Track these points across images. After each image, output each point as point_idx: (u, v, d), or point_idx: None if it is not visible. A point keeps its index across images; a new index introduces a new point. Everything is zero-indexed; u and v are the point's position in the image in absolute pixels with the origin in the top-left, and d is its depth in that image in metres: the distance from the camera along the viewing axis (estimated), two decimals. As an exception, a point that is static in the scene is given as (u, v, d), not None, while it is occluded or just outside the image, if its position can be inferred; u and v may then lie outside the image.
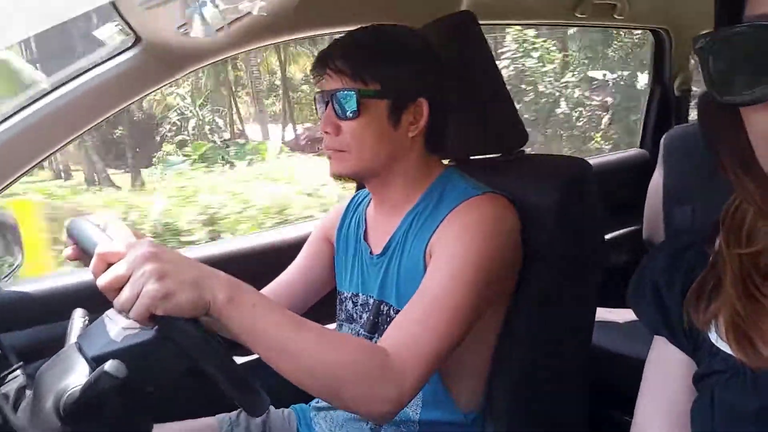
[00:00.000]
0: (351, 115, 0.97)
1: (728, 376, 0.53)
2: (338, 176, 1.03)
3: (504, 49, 8.99)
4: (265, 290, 1.15)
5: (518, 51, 8.99)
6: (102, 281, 0.69)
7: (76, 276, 1.28)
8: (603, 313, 1.79)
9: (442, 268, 0.90)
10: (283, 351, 0.75)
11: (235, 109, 16.45)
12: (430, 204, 1.01)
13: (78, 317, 0.83)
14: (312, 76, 1.04)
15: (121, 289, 0.68)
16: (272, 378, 0.83)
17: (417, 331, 0.83)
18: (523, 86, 9.27)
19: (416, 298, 0.88)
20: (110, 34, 1.08)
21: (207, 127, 14.03)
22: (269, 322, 0.74)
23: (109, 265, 0.70)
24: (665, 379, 0.62)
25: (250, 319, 0.73)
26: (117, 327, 0.74)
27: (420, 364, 0.80)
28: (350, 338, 0.79)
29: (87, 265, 0.76)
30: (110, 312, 0.79)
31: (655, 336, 0.64)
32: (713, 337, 0.55)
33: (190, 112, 13.94)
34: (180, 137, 13.66)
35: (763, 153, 0.47)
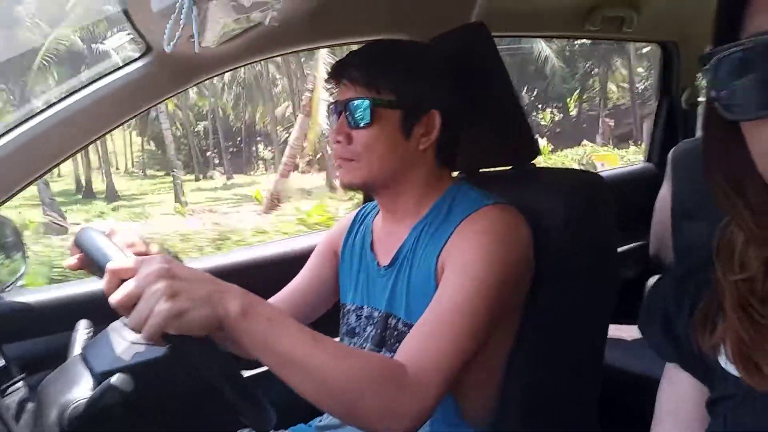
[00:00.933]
0: (363, 123, 0.97)
1: (739, 399, 0.53)
2: (348, 186, 1.03)
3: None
4: (270, 301, 1.15)
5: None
6: (114, 299, 0.68)
7: (80, 287, 1.27)
8: (611, 330, 1.77)
9: (456, 278, 0.89)
10: (298, 366, 0.73)
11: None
12: (440, 215, 1.01)
13: (82, 329, 0.83)
14: (327, 87, 1.05)
15: (134, 306, 0.67)
16: (276, 395, 0.82)
17: (434, 344, 0.82)
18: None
19: (431, 310, 0.87)
20: (121, 43, 1.08)
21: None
22: (284, 336, 0.73)
23: (122, 280, 0.69)
24: (678, 406, 0.62)
25: (264, 333, 0.71)
26: (124, 341, 0.74)
27: (439, 378, 0.79)
28: (367, 353, 0.78)
29: (93, 274, 0.75)
30: (115, 324, 0.78)
31: (666, 363, 0.64)
32: (722, 361, 0.55)
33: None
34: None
35: (765, 169, 0.47)
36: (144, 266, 0.69)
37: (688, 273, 0.62)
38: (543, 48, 20.41)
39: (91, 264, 0.76)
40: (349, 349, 0.77)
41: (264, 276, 1.38)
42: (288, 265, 1.26)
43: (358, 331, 1.09)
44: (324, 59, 12.67)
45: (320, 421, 1.14)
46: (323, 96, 12.65)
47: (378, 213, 1.14)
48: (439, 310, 0.86)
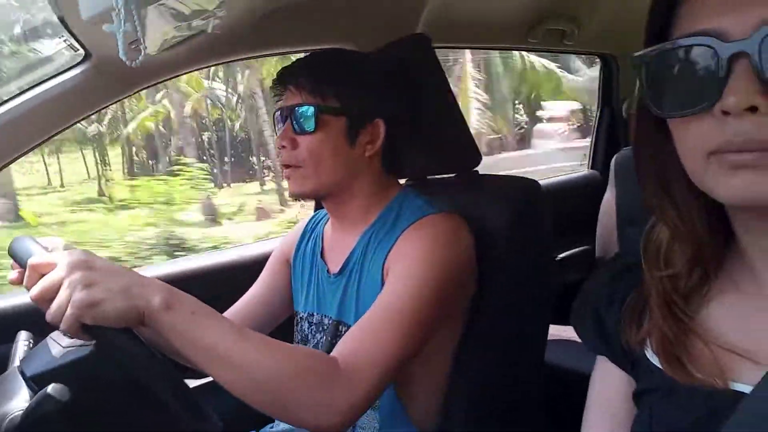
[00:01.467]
0: (309, 129, 0.98)
1: (663, 392, 0.55)
2: (298, 195, 1.03)
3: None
4: (226, 314, 1.13)
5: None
6: (34, 292, 0.68)
7: (21, 297, 1.22)
8: (558, 331, 1.81)
9: (397, 281, 0.90)
10: (225, 360, 0.72)
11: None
12: (387, 222, 1.02)
13: (21, 341, 0.81)
14: (272, 95, 1.05)
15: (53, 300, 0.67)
16: (224, 405, 0.81)
17: (369, 342, 0.82)
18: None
19: (370, 310, 0.87)
20: (58, 49, 1.05)
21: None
22: (208, 329, 0.72)
23: (43, 276, 0.69)
24: (608, 397, 0.64)
25: (188, 326, 0.71)
26: (59, 347, 0.72)
27: (371, 375, 0.79)
28: (296, 347, 0.77)
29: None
30: (54, 334, 0.76)
31: (597, 356, 0.66)
32: (649, 354, 0.58)
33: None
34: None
35: (690, 166, 0.50)
36: (63, 258, 0.69)
37: (619, 271, 0.64)
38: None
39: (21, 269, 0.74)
40: (277, 342, 0.77)
41: (219, 283, 1.37)
42: (244, 272, 1.25)
43: (310, 339, 1.09)
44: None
45: (271, 427, 1.13)
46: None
47: (329, 220, 1.14)
48: (376, 309, 0.87)
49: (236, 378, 0.73)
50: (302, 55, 1.14)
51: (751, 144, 0.43)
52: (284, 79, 1.02)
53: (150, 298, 0.70)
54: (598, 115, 2.36)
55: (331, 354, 0.81)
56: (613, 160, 1.88)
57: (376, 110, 1.01)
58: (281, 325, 1.18)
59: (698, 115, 0.46)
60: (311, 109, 0.97)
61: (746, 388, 0.48)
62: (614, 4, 1.79)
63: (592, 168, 2.39)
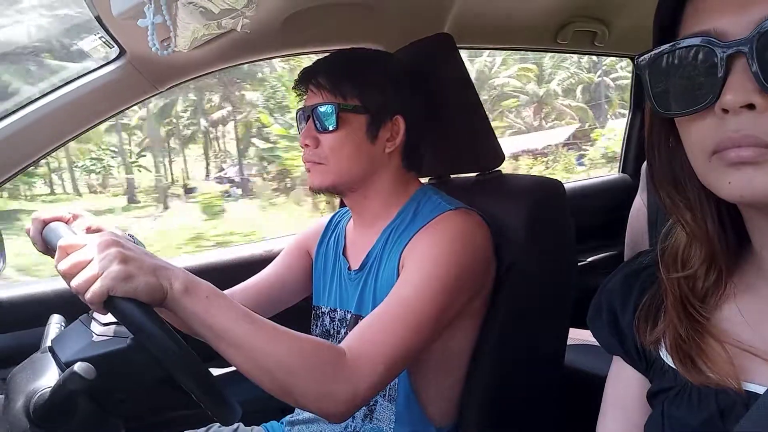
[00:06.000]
0: (330, 127, 1.00)
1: (676, 392, 0.55)
2: (317, 189, 1.05)
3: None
4: (235, 289, 1.16)
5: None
6: (64, 266, 0.71)
7: (54, 283, 1.27)
8: (584, 335, 1.78)
9: (409, 276, 0.91)
10: (237, 343, 0.75)
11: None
12: (406, 218, 1.03)
13: (54, 323, 0.84)
14: (296, 95, 1.08)
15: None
16: (243, 396, 0.83)
17: (377, 334, 0.84)
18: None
19: (382, 304, 0.89)
20: (94, 46, 1.09)
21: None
22: (223, 313, 0.75)
23: None
24: (623, 397, 0.64)
25: (204, 309, 0.74)
26: (90, 333, 0.75)
27: (376, 366, 0.81)
28: (305, 336, 0.79)
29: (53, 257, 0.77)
30: (83, 317, 0.79)
31: (613, 356, 0.66)
32: (663, 355, 0.58)
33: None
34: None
35: (696, 165, 0.50)
36: (95, 237, 0.73)
37: (635, 272, 0.64)
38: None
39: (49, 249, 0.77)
40: (287, 331, 0.79)
41: (229, 281, 1.39)
42: (253, 269, 1.27)
43: (333, 333, 1.11)
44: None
45: (291, 416, 1.15)
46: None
47: (350, 218, 1.16)
48: (387, 303, 0.88)
49: (245, 361, 0.76)
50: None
51: (749, 140, 0.44)
52: (305, 79, 1.05)
53: (173, 280, 0.73)
54: (629, 118, 2.32)
55: (340, 345, 0.83)
56: (644, 164, 1.85)
57: (396, 107, 1.02)
58: (298, 317, 1.19)
59: (700, 114, 0.47)
60: (332, 108, 0.99)
61: (759, 389, 0.48)
62: (644, 5, 1.76)
63: (623, 171, 2.34)
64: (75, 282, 0.70)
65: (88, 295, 0.68)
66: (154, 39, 0.79)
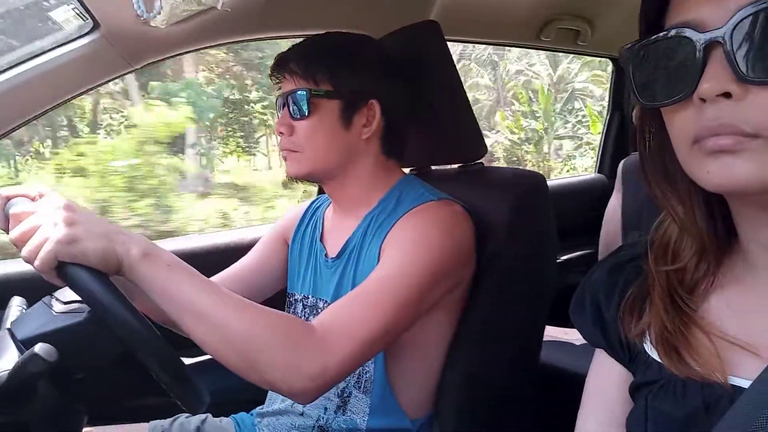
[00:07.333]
0: (303, 114, 0.98)
1: (660, 385, 0.55)
2: (294, 177, 1.04)
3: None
4: (214, 278, 1.13)
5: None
6: (14, 234, 0.68)
7: (14, 265, 1.23)
8: (559, 333, 1.79)
9: (389, 260, 0.90)
10: (199, 314, 0.73)
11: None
12: (388, 207, 1.01)
13: (15, 305, 0.81)
14: (272, 83, 1.06)
15: None
16: (213, 386, 0.80)
17: (350, 314, 0.82)
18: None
19: (358, 286, 0.87)
20: (66, 17, 1.04)
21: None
22: (184, 283, 0.73)
23: None
24: (604, 390, 0.63)
25: (164, 277, 0.72)
26: (50, 312, 0.72)
27: (347, 345, 0.78)
28: (273, 310, 0.77)
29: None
30: (46, 298, 0.77)
31: (595, 349, 0.65)
32: (647, 347, 0.57)
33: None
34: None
35: (679, 155, 0.50)
36: (45, 202, 0.70)
37: (619, 264, 0.64)
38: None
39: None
40: (252, 303, 0.77)
41: (212, 265, 1.36)
42: (237, 256, 1.24)
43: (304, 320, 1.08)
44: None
45: (261, 408, 1.13)
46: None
47: (330, 205, 1.14)
48: (363, 285, 0.87)
49: (208, 334, 0.73)
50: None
51: (727, 128, 0.44)
52: (279, 66, 1.03)
53: (129, 246, 0.70)
54: (607, 119, 2.35)
55: (311, 322, 0.81)
56: (620, 164, 1.87)
57: (371, 91, 1.01)
58: (272, 305, 1.17)
59: (682, 104, 0.48)
60: (304, 94, 0.98)
61: (745, 383, 0.48)
62: (628, 7, 1.78)
63: (599, 171, 2.37)
64: (25, 249, 0.67)
65: (37, 263, 0.66)
66: (140, 2, 0.76)
